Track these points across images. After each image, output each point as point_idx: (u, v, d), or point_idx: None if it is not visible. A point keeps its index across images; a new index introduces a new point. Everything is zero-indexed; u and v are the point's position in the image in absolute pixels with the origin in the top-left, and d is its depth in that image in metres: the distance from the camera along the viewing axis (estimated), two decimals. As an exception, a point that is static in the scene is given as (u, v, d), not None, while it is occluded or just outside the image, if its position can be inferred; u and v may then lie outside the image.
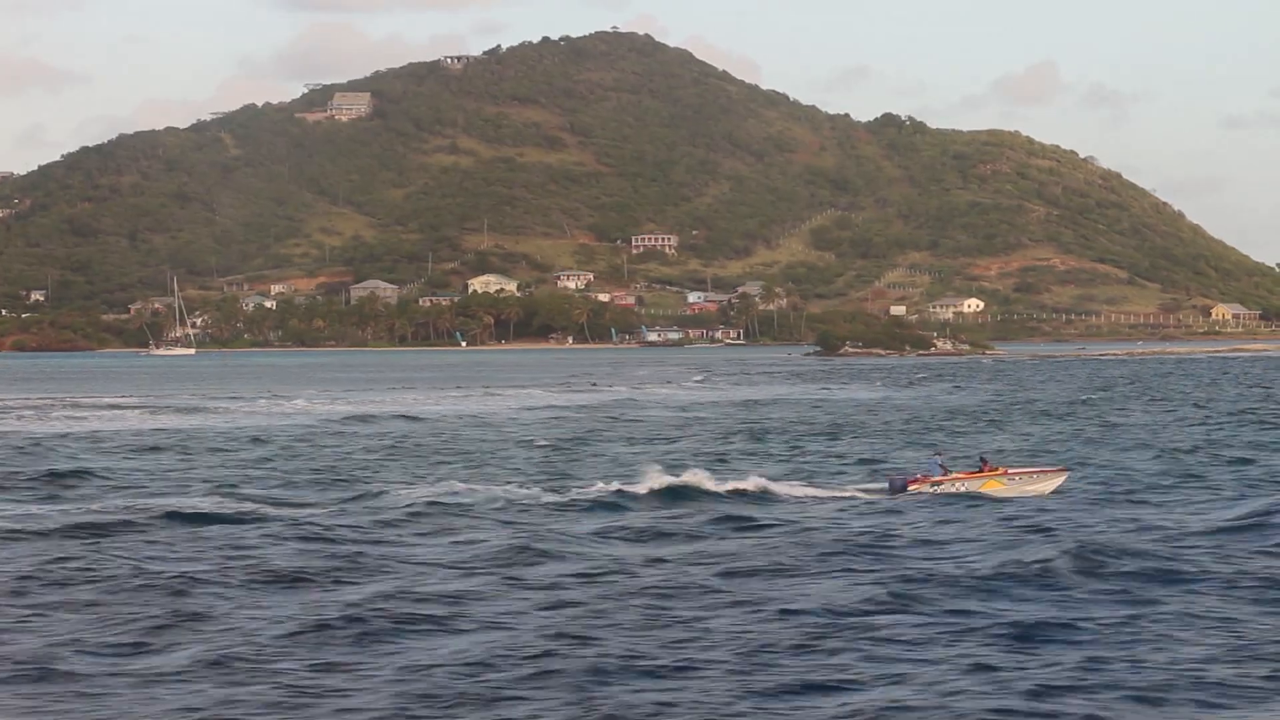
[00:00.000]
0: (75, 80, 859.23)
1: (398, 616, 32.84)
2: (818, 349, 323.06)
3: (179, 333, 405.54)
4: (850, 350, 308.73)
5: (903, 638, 30.79)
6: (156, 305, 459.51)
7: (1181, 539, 42.95)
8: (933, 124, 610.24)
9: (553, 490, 58.36)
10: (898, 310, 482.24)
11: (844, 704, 26.29)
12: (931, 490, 57.78)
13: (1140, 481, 62.77)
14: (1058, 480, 60.42)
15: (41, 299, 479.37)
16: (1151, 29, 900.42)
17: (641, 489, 56.73)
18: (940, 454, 63.53)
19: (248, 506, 53.17)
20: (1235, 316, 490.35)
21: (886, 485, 59.54)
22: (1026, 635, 30.94)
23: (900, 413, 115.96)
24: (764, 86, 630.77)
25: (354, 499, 56.38)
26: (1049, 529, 44.64)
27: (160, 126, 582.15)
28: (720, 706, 26.23)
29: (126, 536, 45.71)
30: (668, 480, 57.99)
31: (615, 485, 58.14)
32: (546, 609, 33.83)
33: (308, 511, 51.92)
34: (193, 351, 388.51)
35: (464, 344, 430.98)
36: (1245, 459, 72.29)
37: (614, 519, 50.00)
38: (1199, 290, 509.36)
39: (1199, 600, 34.36)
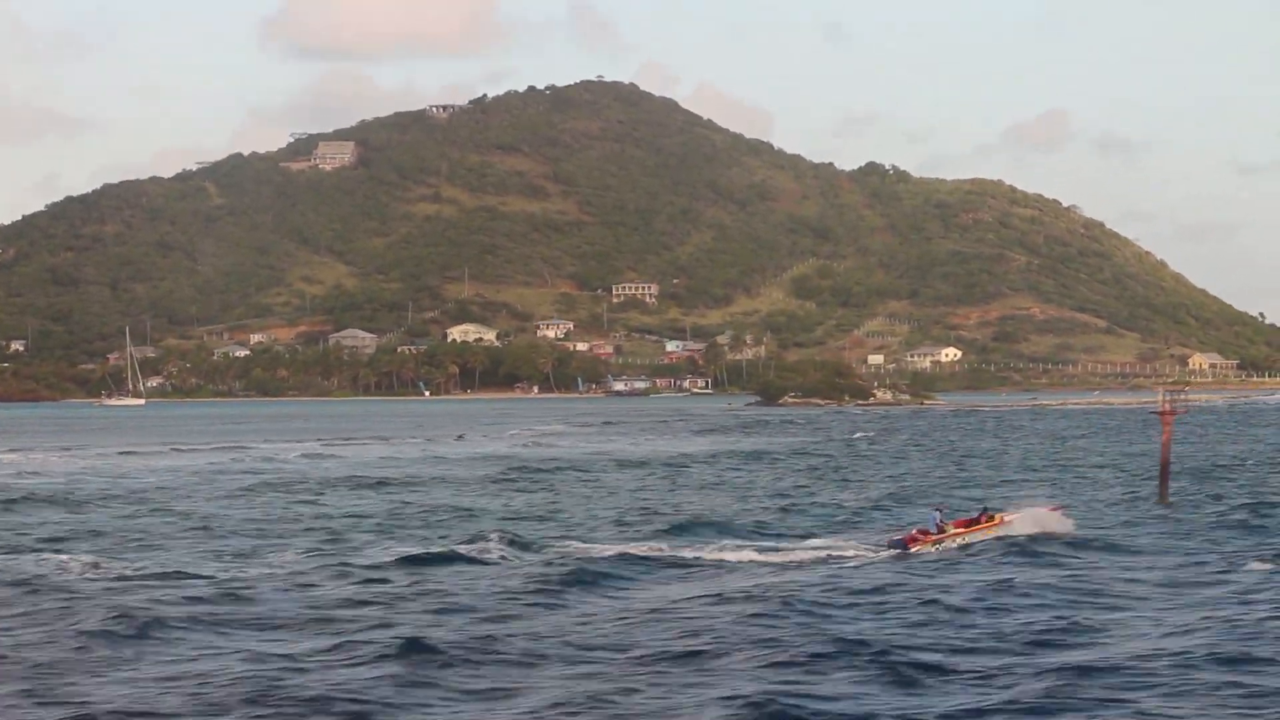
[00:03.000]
0: (90, 128, 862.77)
1: None
2: (758, 399, 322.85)
3: (131, 384, 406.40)
4: (790, 400, 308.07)
5: None
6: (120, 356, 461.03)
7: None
8: (944, 172, 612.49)
9: None
10: (876, 359, 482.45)
11: None
12: (935, 550, 57.19)
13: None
14: (1054, 519, 61.90)
15: (22, 349, 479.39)
16: (1162, 76, 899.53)
17: None
18: (940, 509, 63.25)
19: None
20: (1212, 365, 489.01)
21: (886, 545, 59.03)
22: None
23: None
24: (775, 132, 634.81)
25: None
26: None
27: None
28: None
29: None
30: None
31: None
32: None
33: None
34: (142, 402, 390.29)
35: (427, 394, 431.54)
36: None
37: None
38: (1178, 339, 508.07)
39: None
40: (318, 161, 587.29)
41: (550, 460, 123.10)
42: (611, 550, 57.05)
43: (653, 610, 43.21)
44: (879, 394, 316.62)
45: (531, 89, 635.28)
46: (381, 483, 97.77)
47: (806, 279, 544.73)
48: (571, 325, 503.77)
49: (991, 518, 60.69)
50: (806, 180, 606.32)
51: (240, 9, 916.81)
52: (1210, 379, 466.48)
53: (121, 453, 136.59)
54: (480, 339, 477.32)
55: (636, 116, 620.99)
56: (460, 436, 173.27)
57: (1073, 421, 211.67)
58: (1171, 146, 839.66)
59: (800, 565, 53.91)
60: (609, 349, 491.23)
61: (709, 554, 56.67)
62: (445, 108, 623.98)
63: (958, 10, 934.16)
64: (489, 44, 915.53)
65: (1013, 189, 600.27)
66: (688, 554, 56.29)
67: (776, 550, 58.40)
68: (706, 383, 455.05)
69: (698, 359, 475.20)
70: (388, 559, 56.03)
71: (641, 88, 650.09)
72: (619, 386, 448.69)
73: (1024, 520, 60.65)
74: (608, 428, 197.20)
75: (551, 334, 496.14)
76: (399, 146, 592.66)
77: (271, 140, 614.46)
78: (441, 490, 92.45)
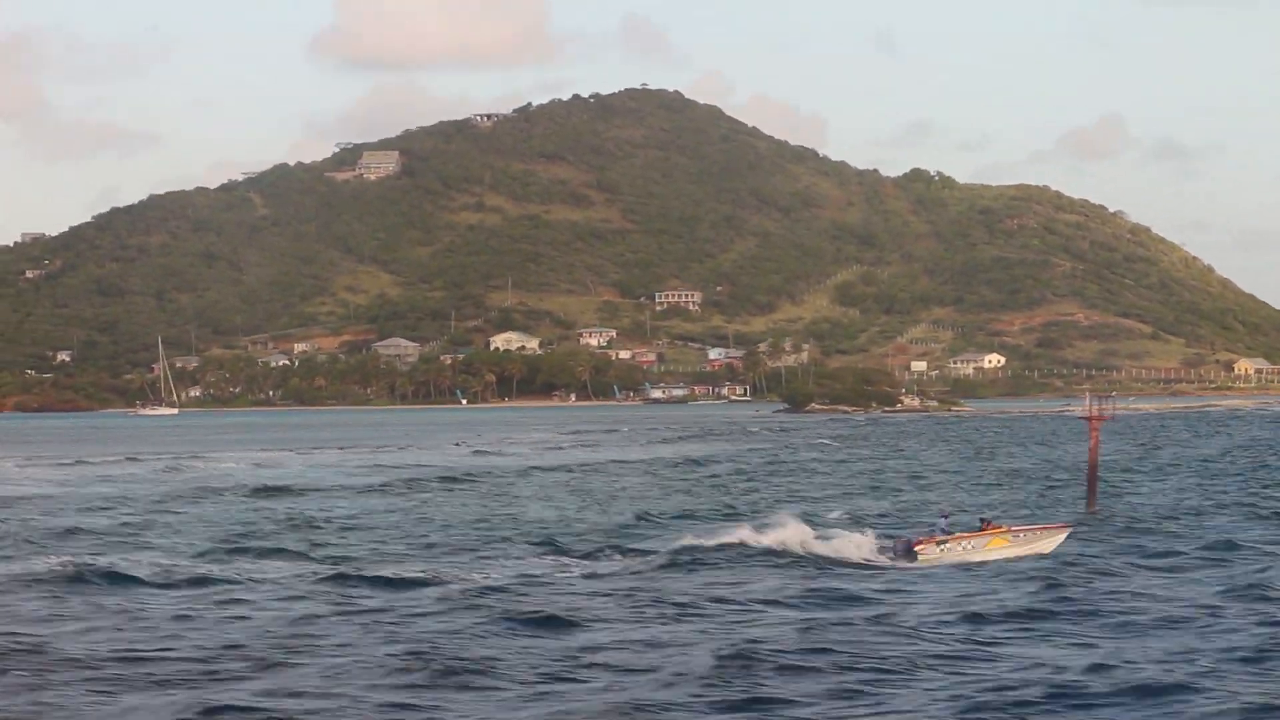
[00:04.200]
0: (147, 142, 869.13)
1: None
2: (786, 406, 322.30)
3: (164, 394, 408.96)
4: (817, 407, 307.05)
5: None
6: (174, 364, 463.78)
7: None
8: (1000, 179, 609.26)
9: None
10: (919, 366, 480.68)
11: None
12: (939, 551, 57.31)
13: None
14: (1060, 537, 60.39)
15: (67, 359, 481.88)
16: (1219, 83, 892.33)
17: None
18: (947, 515, 63.19)
19: None
20: (1259, 371, 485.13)
21: (891, 548, 58.64)
22: None
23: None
24: (830, 141, 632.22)
25: None
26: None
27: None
28: None
29: None
30: None
31: None
32: None
33: None
34: (175, 411, 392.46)
35: (464, 401, 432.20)
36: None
37: None
38: (1224, 345, 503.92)
39: None
40: (362, 171, 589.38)
41: (472, 468, 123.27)
42: (358, 570, 55.37)
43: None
44: (906, 400, 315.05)
45: (576, 97, 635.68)
46: (280, 490, 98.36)
47: (850, 286, 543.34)
48: (614, 333, 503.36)
49: (996, 527, 60.12)
50: (851, 187, 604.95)
51: (295, 22, 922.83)
52: (1254, 385, 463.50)
53: (76, 462, 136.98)
54: (523, 347, 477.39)
55: (680, 124, 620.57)
56: (457, 444, 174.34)
57: (1063, 426, 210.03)
58: (1230, 153, 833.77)
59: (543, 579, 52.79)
60: (651, 357, 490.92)
61: (463, 571, 55.10)
62: (489, 116, 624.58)
63: (1012, 17, 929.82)
64: (543, 56, 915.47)
65: (1058, 194, 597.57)
66: (441, 570, 55.00)
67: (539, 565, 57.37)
68: (745, 390, 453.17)
69: (738, 366, 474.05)
70: (103, 567, 55.06)
71: (694, 97, 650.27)
72: (656, 394, 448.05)
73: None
74: (591, 436, 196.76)
75: (594, 342, 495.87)
76: (443, 155, 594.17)
77: (327, 152, 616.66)
78: (317, 499, 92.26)
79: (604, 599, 46.66)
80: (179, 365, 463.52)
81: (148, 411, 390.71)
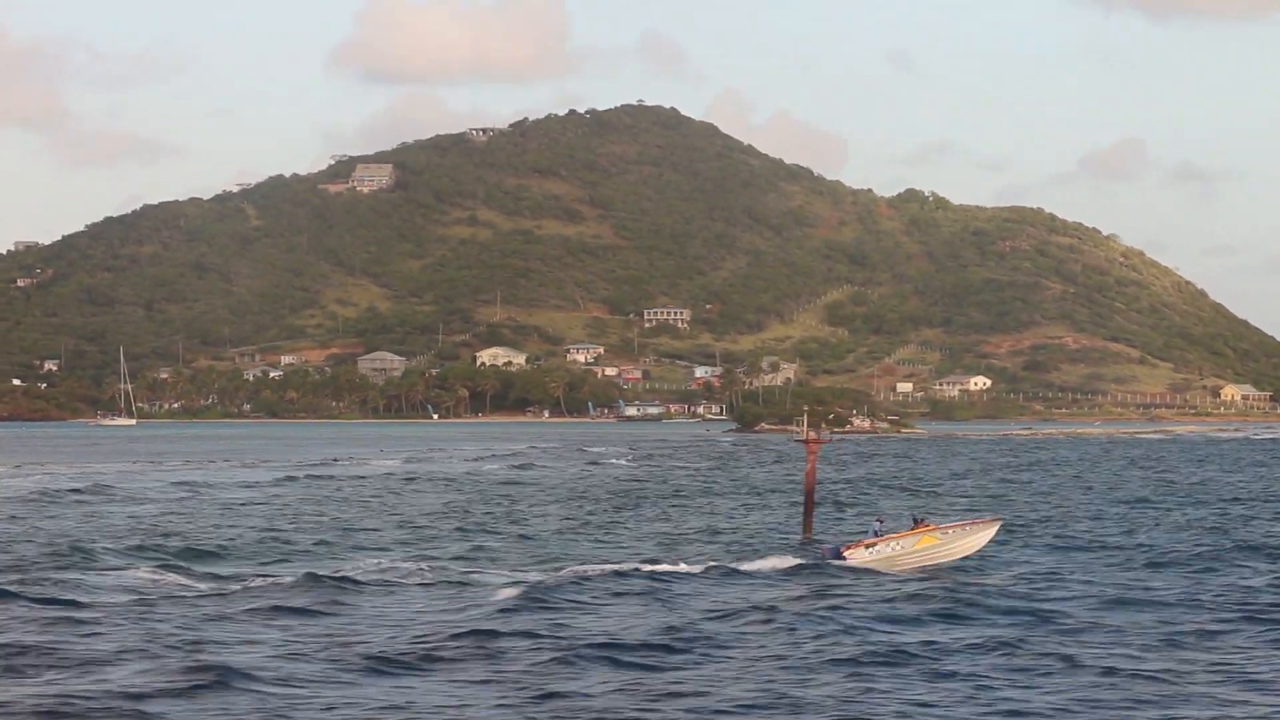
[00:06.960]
0: (169, 152, 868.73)
1: None
2: (736, 426, 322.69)
3: (123, 405, 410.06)
4: (766, 427, 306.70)
5: None
6: (157, 375, 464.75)
7: None
8: (1023, 201, 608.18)
9: None
10: (904, 387, 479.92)
11: None
12: (867, 554, 58.06)
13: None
14: (991, 531, 60.93)
15: (55, 368, 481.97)
16: (1240, 105, 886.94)
17: None
18: (880, 519, 63.81)
19: None
20: (1245, 398, 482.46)
21: (819, 555, 59.86)
22: None
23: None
24: (849, 160, 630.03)
25: None
26: None
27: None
28: None
29: None
30: None
31: None
32: None
33: None
34: (133, 422, 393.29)
35: (435, 417, 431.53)
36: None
37: None
38: (1212, 370, 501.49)
39: None
40: (355, 184, 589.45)
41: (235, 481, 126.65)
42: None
43: None
44: (856, 422, 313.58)
45: (572, 112, 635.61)
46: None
47: (840, 305, 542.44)
48: (602, 350, 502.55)
49: (925, 524, 60.47)
50: (845, 206, 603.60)
51: (313, 36, 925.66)
52: (1232, 412, 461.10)
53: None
54: (509, 363, 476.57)
55: (675, 141, 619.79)
56: (335, 460, 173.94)
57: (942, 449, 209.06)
58: (1251, 176, 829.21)
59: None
60: (638, 374, 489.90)
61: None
62: (484, 130, 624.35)
63: (1031, 39, 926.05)
64: (561, 73, 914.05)
65: (1052, 217, 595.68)
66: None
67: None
68: (721, 409, 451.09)
69: (717, 385, 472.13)
70: None
71: (712, 115, 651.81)
72: (630, 411, 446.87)
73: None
74: (460, 449, 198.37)
75: (581, 358, 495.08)
76: (437, 169, 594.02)
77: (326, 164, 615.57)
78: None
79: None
80: (163, 377, 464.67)
81: (106, 422, 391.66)
